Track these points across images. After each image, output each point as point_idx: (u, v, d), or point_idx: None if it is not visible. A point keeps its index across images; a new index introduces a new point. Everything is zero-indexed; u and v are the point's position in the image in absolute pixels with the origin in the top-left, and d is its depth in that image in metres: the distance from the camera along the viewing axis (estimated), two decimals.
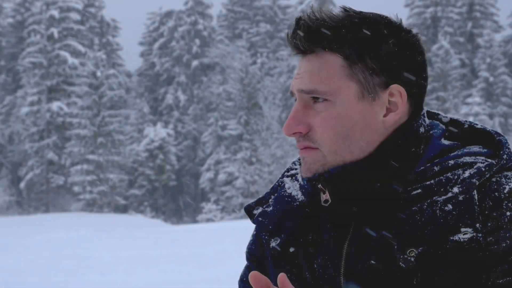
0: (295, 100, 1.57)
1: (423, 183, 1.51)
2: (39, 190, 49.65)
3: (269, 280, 1.41)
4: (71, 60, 49.75)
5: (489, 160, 1.52)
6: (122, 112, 51.93)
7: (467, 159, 1.52)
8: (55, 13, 50.82)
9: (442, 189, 1.48)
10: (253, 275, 1.40)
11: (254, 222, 1.70)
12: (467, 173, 1.49)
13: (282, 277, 1.39)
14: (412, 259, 1.46)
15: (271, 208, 1.67)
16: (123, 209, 49.37)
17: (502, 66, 50.87)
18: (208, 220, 44.59)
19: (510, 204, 1.46)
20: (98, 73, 47.29)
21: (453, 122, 1.62)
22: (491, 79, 50.02)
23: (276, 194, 1.70)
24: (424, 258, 1.45)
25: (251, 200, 1.87)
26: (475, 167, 1.50)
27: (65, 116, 48.90)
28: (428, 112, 1.63)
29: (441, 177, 1.50)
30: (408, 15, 54.79)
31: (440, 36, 52.07)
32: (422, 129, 1.56)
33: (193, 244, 19.85)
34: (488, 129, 1.59)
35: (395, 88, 1.53)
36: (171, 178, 51.83)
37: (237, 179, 46.40)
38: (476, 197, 1.46)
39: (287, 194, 1.66)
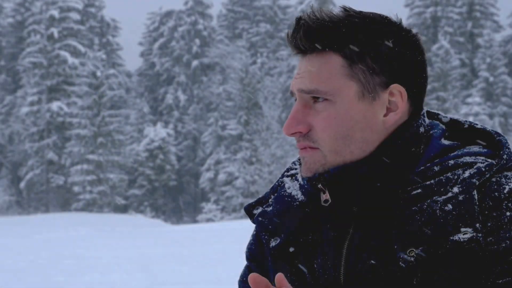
0: (295, 100, 1.57)
1: (423, 183, 1.51)
2: (39, 190, 49.66)
3: (269, 280, 1.41)
4: (71, 60, 49.76)
5: (489, 160, 1.52)
6: (122, 112, 51.96)
7: (467, 159, 1.52)
8: (55, 13, 50.83)
9: (442, 189, 1.48)
10: (253, 277, 1.40)
11: (254, 222, 1.70)
12: (467, 173, 1.49)
13: (279, 277, 1.39)
14: (412, 259, 1.46)
15: (271, 208, 1.67)
16: (123, 209, 49.39)
17: (502, 66, 50.88)
18: (208, 220, 44.62)
19: (510, 204, 1.46)
20: (98, 73, 47.30)
21: (453, 122, 1.62)
22: (491, 79, 50.04)
23: (276, 194, 1.69)
24: (424, 258, 1.45)
25: (251, 200, 1.87)
26: (475, 167, 1.50)
27: (65, 116, 48.91)
28: (428, 112, 1.63)
29: (441, 177, 1.50)
30: (408, 15, 54.80)
31: (440, 36, 52.08)
32: (422, 129, 1.56)
33: (193, 244, 19.86)
34: (488, 129, 1.59)
35: (395, 88, 1.53)
36: (171, 178, 51.85)
37: (237, 179, 46.41)
38: (476, 197, 1.46)
39: (287, 194, 1.66)
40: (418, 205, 1.48)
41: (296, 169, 1.71)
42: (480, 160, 1.52)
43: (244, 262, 1.76)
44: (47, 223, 33.39)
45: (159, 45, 60.20)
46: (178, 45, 58.83)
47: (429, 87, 1.53)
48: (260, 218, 1.68)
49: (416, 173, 1.52)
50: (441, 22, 54.09)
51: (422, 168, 1.53)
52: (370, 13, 1.55)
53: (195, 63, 57.76)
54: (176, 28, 59.56)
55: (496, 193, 1.47)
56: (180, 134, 56.38)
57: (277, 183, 1.72)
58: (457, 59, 50.58)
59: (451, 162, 1.52)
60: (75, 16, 52.17)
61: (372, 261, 1.49)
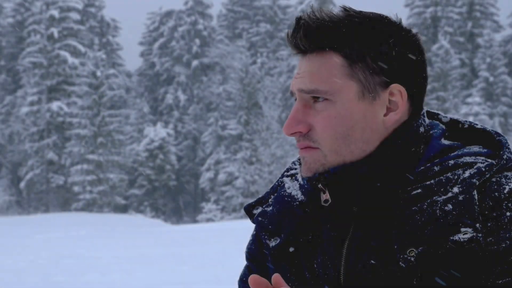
0: (295, 100, 1.57)
1: (423, 183, 1.51)
2: (39, 190, 49.65)
3: (269, 281, 1.41)
4: (71, 60, 49.75)
5: (489, 160, 1.52)
6: (122, 112, 51.95)
7: (467, 159, 1.52)
8: (55, 13, 50.82)
9: (442, 189, 1.48)
10: (253, 278, 1.40)
11: (253, 222, 1.70)
12: (467, 173, 1.49)
13: (276, 277, 1.40)
14: (412, 259, 1.46)
15: (270, 208, 1.67)
16: (123, 209, 49.38)
17: (502, 66, 50.87)
18: (208, 220, 44.62)
19: (510, 205, 1.46)
20: (98, 73, 47.29)
21: (453, 122, 1.62)
22: (491, 79, 50.03)
23: (276, 194, 1.69)
24: (424, 258, 1.45)
25: (251, 200, 1.87)
26: (475, 167, 1.50)
27: (65, 116, 48.90)
28: (428, 112, 1.63)
29: (441, 177, 1.50)
30: (408, 15, 54.78)
31: (440, 36, 52.07)
32: (422, 129, 1.56)
33: (193, 244, 19.86)
34: (488, 129, 1.59)
35: (396, 87, 1.53)
36: (171, 178, 51.84)
37: (237, 179, 46.40)
38: (476, 197, 1.46)
39: (287, 194, 1.66)
40: (418, 205, 1.48)
41: (296, 169, 1.71)
42: (480, 160, 1.52)
43: (244, 262, 1.76)
44: (47, 223, 33.39)
45: (159, 45, 60.21)
46: (178, 45, 58.84)
47: (429, 87, 1.53)
48: (260, 218, 1.68)
49: (416, 173, 1.52)
50: (441, 22, 54.08)
51: (422, 168, 1.53)
52: (370, 13, 1.55)
53: (195, 63, 57.77)
54: (176, 28, 59.56)
55: (496, 193, 1.47)
56: (180, 134, 56.38)
57: (277, 183, 1.72)
58: (457, 59, 50.56)
59: (451, 162, 1.52)
60: (75, 16, 52.16)
61: (372, 261, 1.49)
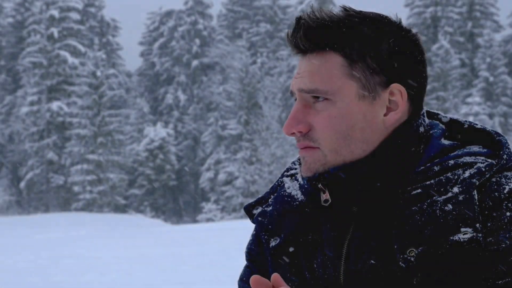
0: (295, 99, 1.57)
1: (423, 183, 1.50)
2: (39, 190, 49.66)
3: (269, 281, 1.41)
4: (71, 60, 49.75)
5: (489, 160, 1.52)
6: (122, 112, 51.96)
7: (467, 159, 1.52)
8: (55, 13, 50.82)
9: (442, 189, 1.48)
10: (254, 278, 1.40)
11: (253, 222, 1.70)
12: (467, 173, 1.49)
13: (275, 277, 1.40)
14: (412, 259, 1.46)
15: (270, 208, 1.67)
16: (123, 209, 49.37)
17: (502, 66, 50.87)
18: (208, 220, 44.62)
19: (510, 205, 1.46)
20: (98, 73, 47.30)
21: (453, 122, 1.62)
22: (491, 79, 50.02)
23: (275, 194, 1.69)
24: (424, 258, 1.45)
25: (251, 200, 1.87)
26: (475, 167, 1.50)
27: (65, 116, 48.91)
28: (428, 112, 1.63)
29: (441, 177, 1.50)
30: (408, 15, 54.77)
31: (440, 36, 52.06)
32: (422, 129, 1.56)
33: (193, 244, 19.86)
34: (488, 129, 1.59)
35: (396, 87, 1.53)
36: (171, 178, 51.85)
37: (237, 179, 46.41)
38: (476, 197, 1.46)
39: (286, 193, 1.66)
40: (418, 205, 1.48)
41: (296, 169, 1.71)
42: (480, 160, 1.52)
43: (244, 262, 1.76)
44: (47, 223, 33.39)
45: (159, 45, 60.21)
46: (178, 45, 58.84)
47: (429, 87, 1.53)
48: (259, 218, 1.68)
49: (416, 173, 1.52)
50: (441, 22, 54.07)
51: (422, 168, 1.53)
52: (370, 13, 1.55)
53: (195, 63, 57.77)
54: (176, 28, 59.56)
55: (496, 193, 1.47)
56: (180, 134, 56.38)
57: (276, 183, 1.72)
58: (457, 59, 50.56)
59: (451, 162, 1.52)
60: (75, 16, 52.16)
61: (372, 261, 1.49)
